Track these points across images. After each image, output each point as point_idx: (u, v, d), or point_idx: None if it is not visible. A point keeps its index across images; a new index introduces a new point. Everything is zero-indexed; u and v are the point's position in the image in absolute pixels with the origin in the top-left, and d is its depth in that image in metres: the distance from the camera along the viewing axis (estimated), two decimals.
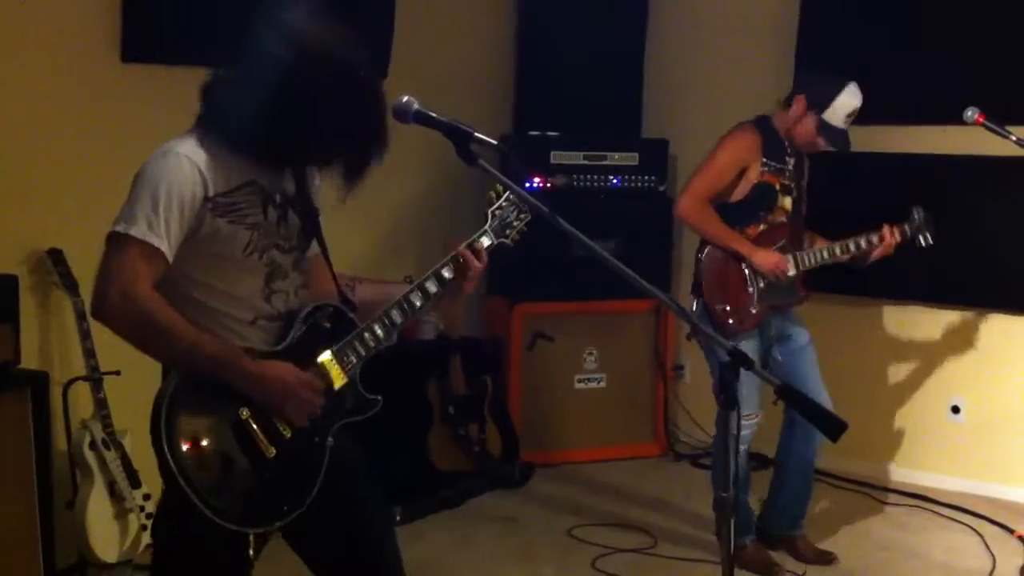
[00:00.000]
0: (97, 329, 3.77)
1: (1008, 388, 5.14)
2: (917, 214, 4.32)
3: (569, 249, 5.10)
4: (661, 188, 5.67)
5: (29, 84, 3.82)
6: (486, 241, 2.60)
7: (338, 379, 2.40)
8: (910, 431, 5.40)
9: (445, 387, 5.02)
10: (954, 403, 5.30)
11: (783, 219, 4.25)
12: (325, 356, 2.39)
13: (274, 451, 2.29)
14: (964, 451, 5.26)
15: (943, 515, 4.93)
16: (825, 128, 4.13)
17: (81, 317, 3.77)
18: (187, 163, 2.22)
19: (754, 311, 4.19)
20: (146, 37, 4.05)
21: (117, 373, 3.85)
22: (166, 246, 2.20)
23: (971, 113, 4.14)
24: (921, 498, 5.10)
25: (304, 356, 2.36)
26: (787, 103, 4.21)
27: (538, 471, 5.30)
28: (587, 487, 5.22)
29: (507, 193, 2.62)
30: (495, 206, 2.63)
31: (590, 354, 5.61)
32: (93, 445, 3.76)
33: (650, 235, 5.58)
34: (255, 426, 2.27)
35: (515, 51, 5.89)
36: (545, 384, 5.52)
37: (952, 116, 4.26)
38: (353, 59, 2.30)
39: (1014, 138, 4.07)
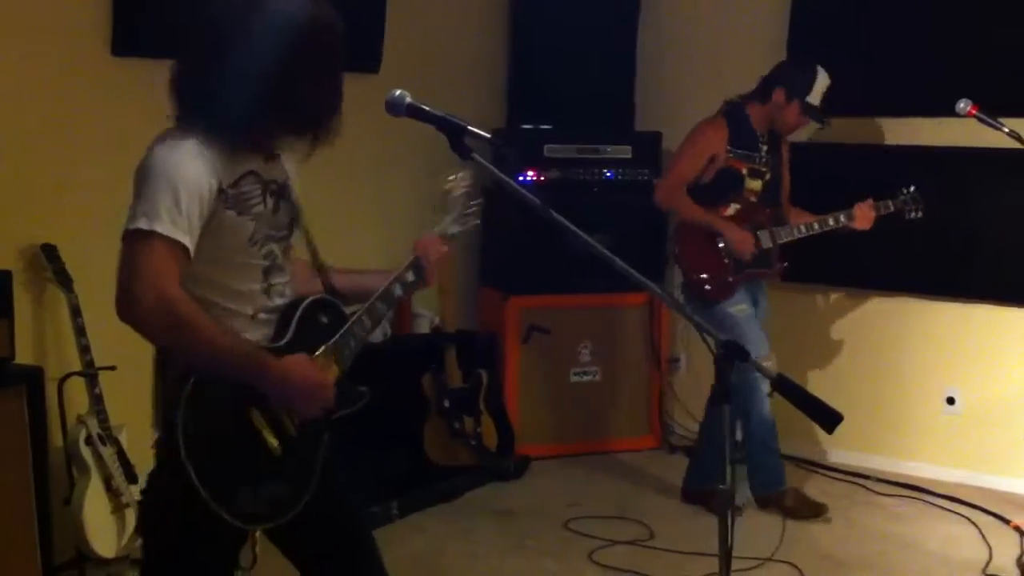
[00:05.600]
0: (92, 324, 3.79)
1: (1003, 379, 5.15)
2: (906, 190, 4.72)
3: (563, 242, 5.10)
4: (655, 181, 5.66)
5: (20, 79, 3.81)
6: (452, 228, 2.73)
7: (334, 373, 2.40)
8: (906, 422, 5.41)
9: (440, 381, 5.02)
10: (949, 394, 5.30)
11: (754, 200, 4.67)
12: (324, 350, 2.39)
13: (280, 449, 2.29)
14: (960, 442, 5.27)
15: (939, 506, 4.94)
16: (808, 109, 4.59)
17: (76, 313, 3.76)
18: (200, 156, 2.18)
19: (731, 280, 4.61)
20: (137, 31, 4.04)
21: (113, 368, 3.85)
22: (190, 242, 2.16)
23: (964, 105, 4.16)
24: (917, 489, 5.11)
25: (305, 351, 2.34)
26: (763, 96, 4.65)
27: (534, 464, 5.31)
28: (583, 480, 5.23)
29: (457, 177, 2.66)
30: (450, 191, 2.67)
31: (585, 347, 5.62)
32: (89, 440, 3.76)
33: (644, 228, 5.57)
34: (264, 425, 2.27)
35: (508, 44, 5.88)
36: (540, 377, 5.52)
37: (945, 108, 4.28)
38: (307, 16, 2.26)
39: (1007, 130, 4.08)
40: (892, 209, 4.69)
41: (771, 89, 4.61)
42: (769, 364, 4.38)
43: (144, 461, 3.85)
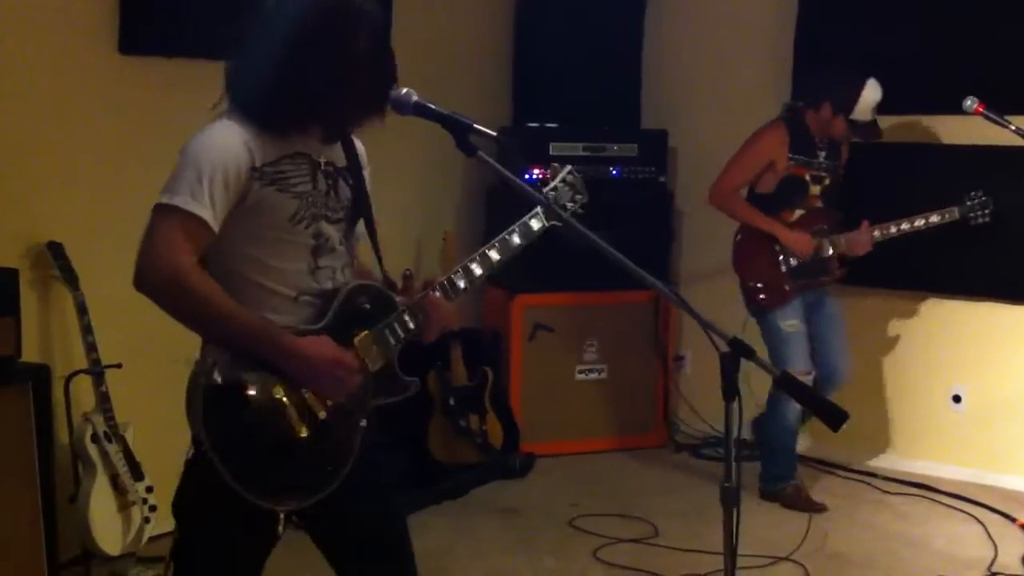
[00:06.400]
0: (98, 322, 3.80)
1: (1009, 377, 5.14)
2: (974, 194, 4.65)
3: (569, 240, 5.10)
4: (661, 179, 5.67)
5: (27, 77, 3.81)
6: (535, 224, 2.59)
7: (374, 361, 2.38)
8: (912, 421, 5.40)
9: (445, 379, 5.03)
10: (955, 392, 5.30)
11: (819, 205, 4.66)
12: (362, 337, 2.37)
13: (307, 431, 2.28)
14: (966, 440, 5.26)
15: (945, 504, 4.94)
16: (854, 126, 4.55)
17: (82, 310, 3.77)
18: (232, 134, 2.21)
19: (787, 288, 4.62)
20: (144, 29, 4.04)
21: (119, 366, 3.85)
22: (210, 215, 2.18)
23: (970, 103, 4.16)
24: (923, 487, 5.10)
25: (341, 336, 2.33)
26: (814, 105, 4.59)
27: (539, 462, 5.31)
28: (588, 478, 5.23)
29: (563, 173, 2.64)
30: (548, 187, 2.63)
31: (591, 345, 5.61)
32: (95, 438, 3.76)
33: (650, 226, 5.59)
34: (288, 406, 2.26)
35: (514, 42, 5.88)
36: (546, 375, 5.52)
37: (951, 106, 4.28)
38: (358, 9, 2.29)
39: (1013, 127, 4.08)
40: (955, 217, 4.63)
41: (819, 101, 4.59)
42: (807, 379, 4.45)
43: (150, 458, 3.88)
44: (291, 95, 2.23)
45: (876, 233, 4.64)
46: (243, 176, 2.21)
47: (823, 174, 4.68)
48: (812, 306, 4.73)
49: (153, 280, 2.17)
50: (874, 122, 4.59)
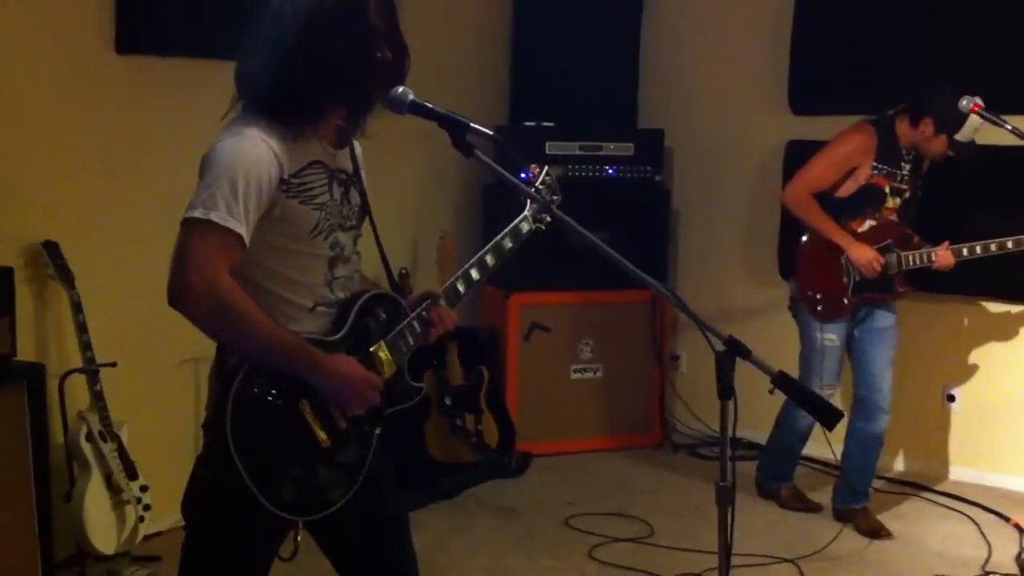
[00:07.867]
0: (93, 321, 3.79)
1: (1003, 376, 5.15)
2: None
3: (566, 239, 5.11)
4: (657, 178, 5.67)
5: (24, 76, 3.81)
6: (525, 227, 2.63)
7: (389, 369, 2.39)
8: (905, 420, 5.39)
9: (442, 378, 5.02)
10: (949, 392, 5.30)
11: (892, 218, 4.44)
12: (379, 346, 2.38)
13: (329, 442, 2.28)
14: (959, 440, 5.27)
15: (939, 504, 4.94)
16: (955, 145, 4.30)
17: (77, 309, 3.76)
18: (263, 145, 2.17)
19: (846, 302, 4.45)
20: (140, 28, 4.04)
21: (114, 365, 3.85)
22: (245, 231, 2.14)
23: (966, 102, 4.15)
24: (917, 487, 5.12)
25: (359, 346, 2.34)
26: (912, 119, 4.33)
27: (535, 461, 5.32)
28: (584, 477, 5.23)
29: (542, 175, 2.64)
30: (531, 189, 2.64)
31: (587, 344, 5.61)
32: (90, 437, 3.76)
33: (646, 225, 5.59)
34: (314, 418, 2.26)
35: (510, 41, 5.88)
36: (542, 374, 5.52)
37: None
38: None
39: (1009, 127, 4.08)
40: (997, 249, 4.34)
41: (920, 116, 4.31)
42: (829, 395, 4.38)
43: (145, 457, 3.87)
44: (311, 76, 2.19)
45: (945, 252, 4.40)
46: (273, 189, 2.18)
47: (904, 187, 4.44)
48: (860, 320, 4.54)
49: (194, 301, 2.12)
50: (973, 141, 4.33)
